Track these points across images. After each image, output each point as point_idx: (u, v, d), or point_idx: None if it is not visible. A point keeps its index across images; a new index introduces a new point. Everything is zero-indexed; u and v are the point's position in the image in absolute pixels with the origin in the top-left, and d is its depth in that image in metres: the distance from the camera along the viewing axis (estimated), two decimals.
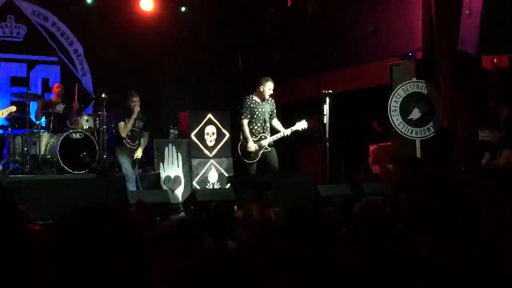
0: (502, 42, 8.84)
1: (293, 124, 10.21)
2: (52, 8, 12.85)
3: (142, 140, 10.25)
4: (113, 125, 10.89)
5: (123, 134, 10.05)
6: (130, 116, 10.11)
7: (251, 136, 10.10)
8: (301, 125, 10.18)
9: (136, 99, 10.15)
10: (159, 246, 3.78)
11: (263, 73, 14.07)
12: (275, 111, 10.37)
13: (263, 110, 10.20)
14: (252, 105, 10.16)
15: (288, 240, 3.14)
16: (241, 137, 10.20)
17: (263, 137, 10.16)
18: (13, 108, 10.20)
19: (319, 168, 10.74)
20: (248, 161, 10.12)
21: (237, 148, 10.28)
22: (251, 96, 10.25)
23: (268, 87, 10.14)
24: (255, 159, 10.12)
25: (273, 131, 10.31)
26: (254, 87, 10.35)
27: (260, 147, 10.13)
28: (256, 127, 10.16)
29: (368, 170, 11.70)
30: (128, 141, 10.08)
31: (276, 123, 10.33)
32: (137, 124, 10.18)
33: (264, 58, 14.18)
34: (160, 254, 3.63)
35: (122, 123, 10.11)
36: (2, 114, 9.99)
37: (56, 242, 1.50)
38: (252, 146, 10.05)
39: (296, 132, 10.24)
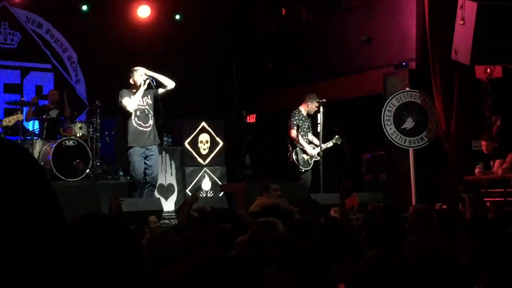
0: (495, 52, 8.88)
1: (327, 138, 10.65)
2: (46, 15, 12.84)
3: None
4: (106, 133, 10.86)
5: (131, 109, 8.73)
6: (135, 92, 8.85)
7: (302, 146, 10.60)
8: (337, 139, 10.66)
9: (142, 72, 8.87)
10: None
11: (257, 81, 14.14)
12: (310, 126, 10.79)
13: (308, 124, 10.67)
14: (302, 118, 10.58)
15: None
16: (290, 148, 10.55)
17: (312, 147, 10.62)
18: (20, 116, 10.06)
19: (313, 177, 10.75)
20: (304, 169, 10.51)
21: (287, 158, 10.61)
22: (299, 109, 10.64)
23: (315, 105, 10.50)
24: (308, 167, 10.53)
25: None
26: (300, 101, 10.76)
27: (312, 156, 10.55)
28: (304, 139, 10.60)
29: (361, 179, 11.69)
30: (139, 122, 8.85)
31: (312, 137, 10.70)
32: (145, 102, 8.93)
33: (259, 66, 14.20)
34: None
35: (126, 98, 8.78)
36: (10, 122, 9.77)
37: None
38: (311, 151, 10.51)
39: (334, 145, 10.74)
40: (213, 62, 14.21)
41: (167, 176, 11.03)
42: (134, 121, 8.85)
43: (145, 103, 8.91)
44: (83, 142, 10.17)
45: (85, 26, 12.87)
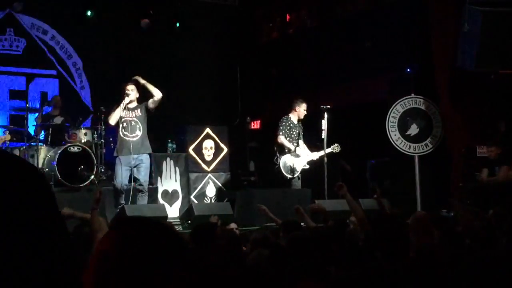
0: (500, 58, 8.88)
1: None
2: (52, 22, 12.88)
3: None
4: (111, 139, 10.88)
5: (112, 122, 9.22)
6: (118, 105, 9.27)
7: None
8: (335, 148, 10.46)
9: (130, 87, 9.28)
10: None
11: (261, 88, 14.15)
12: (302, 132, 10.64)
13: (298, 131, 10.51)
14: (290, 125, 10.45)
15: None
16: (278, 154, 10.39)
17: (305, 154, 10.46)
18: (8, 137, 10.15)
19: (318, 183, 10.73)
20: (289, 176, 10.34)
21: (275, 163, 10.44)
22: (288, 116, 10.52)
23: (303, 108, 10.43)
24: (294, 174, 10.37)
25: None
26: (288, 107, 10.64)
27: (301, 164, 10.39)
28: (293, 146, 10.44)
29: (366, 186, 11.67)
30: (125, 133, 9.21)
31: (303, 145, 10.58)
32: (134, 114, 9.29)
33: (262, 73, 14.21)
34: None
35: (111, 113, 9.33)
36: None
37: None
38: (303, 154, 10.37)
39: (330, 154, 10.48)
40: (217, 69, 14.22)
41: (172, 183, 11.03)
42: (121, 132, 9.24)
43: (133, 115, 9.28)
44: (87, 148, 10.19)
45: (90, 33, 12.90)
